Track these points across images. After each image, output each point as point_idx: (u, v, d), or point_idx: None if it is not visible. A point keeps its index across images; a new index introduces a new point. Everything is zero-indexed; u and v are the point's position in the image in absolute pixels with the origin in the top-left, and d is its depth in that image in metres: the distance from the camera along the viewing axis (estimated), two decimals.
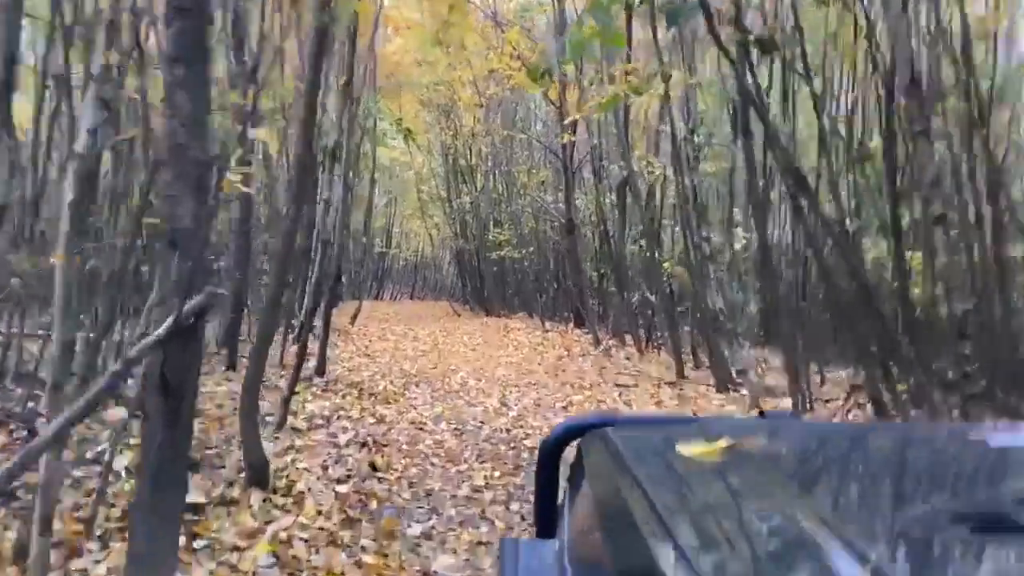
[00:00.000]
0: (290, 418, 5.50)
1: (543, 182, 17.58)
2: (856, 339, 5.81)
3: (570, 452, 1.35)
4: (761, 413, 1.91)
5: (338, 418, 5.90)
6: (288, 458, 4.56)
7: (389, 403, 6.95)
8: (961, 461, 1.16)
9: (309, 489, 4.06)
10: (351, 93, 7.40)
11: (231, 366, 7.14)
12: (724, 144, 10.26)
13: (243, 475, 3.96)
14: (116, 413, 3.91)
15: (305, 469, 4.41)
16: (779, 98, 8.06)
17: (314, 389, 6.93)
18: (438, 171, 25.93)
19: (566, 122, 12.24)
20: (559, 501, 1.35)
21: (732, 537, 0.76)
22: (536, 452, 1.41)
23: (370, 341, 12.23)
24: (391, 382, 8.30)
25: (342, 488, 4.17)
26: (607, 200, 13.09)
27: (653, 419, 1.76)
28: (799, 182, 4.76)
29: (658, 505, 0.80)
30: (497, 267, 20.92)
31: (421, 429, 6.16)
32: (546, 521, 1.35)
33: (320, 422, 5.68)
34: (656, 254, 9.65)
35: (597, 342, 12.14)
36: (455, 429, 6.21)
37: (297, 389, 6.71)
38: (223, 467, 4.19)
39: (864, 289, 5.12)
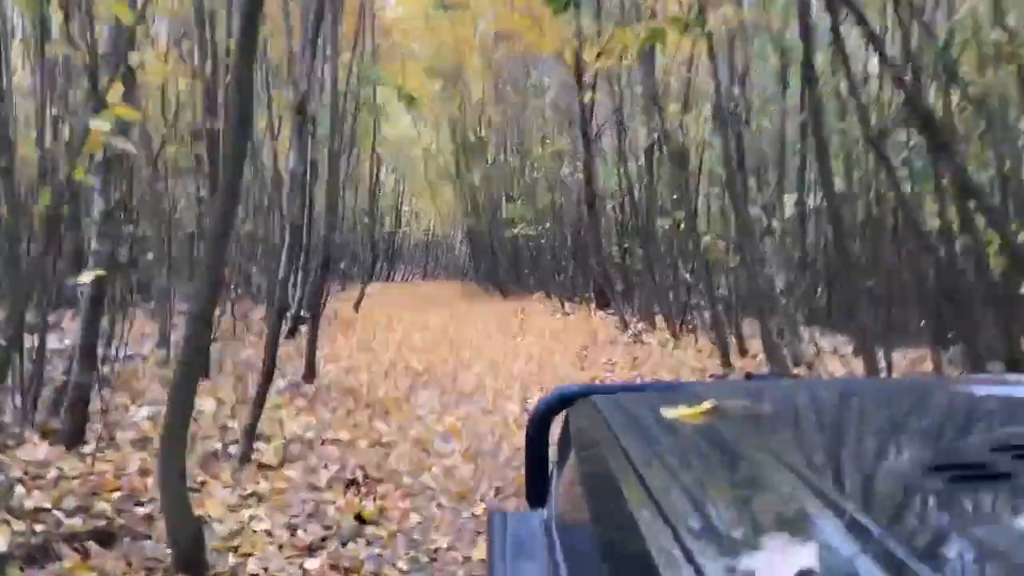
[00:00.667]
0: (260, 446, 4.36)
1: (559, 152, 16.27)
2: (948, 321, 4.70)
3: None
4: (748, 376, 1.77)
5: (323, 442, 4.74)
6: (245, 514, 3.41)
7: (389, 415, 5.80)
8: (942, 412, 1.16)
9: (266, 570, 2.92)
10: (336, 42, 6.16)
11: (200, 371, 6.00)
12: (769, 100, 8.96)
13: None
14: None
15: (266, 532, 3.26)
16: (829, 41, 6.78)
17: (299, 401, 5.79)
18: (446, 146, 24.65)
19: (587, 75, 10.98)
20: (549, 471, 1.34)
21: (713, 497, 0.76)
22: None
23: (374, 332, 11.08)
24: (394, 384, 7.15)
25: (312, 564, 3.02)
26: (633, 167, 11.81)
27: (641, 386, 1.54)
28: (931, 127, 3.52)
29: (641, 469, 0.81)
30: (511, 245, 19.69)
31: (426, 451, 5.00)
32: (536, 492, 1.33)
33: (298, 450, 4.53)
34: (695, 226, 8.37)
35: (625, 326, 10.94)
36: (469, 450, 5.05)
37: (278, 401, 5.60)
38: (149, 537, 3.05)
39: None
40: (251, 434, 4.28)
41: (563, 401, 1.33)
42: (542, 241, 17.61)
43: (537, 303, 16.29)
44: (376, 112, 13.11)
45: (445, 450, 5.04)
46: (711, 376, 7.73)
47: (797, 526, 0.64)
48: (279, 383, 6.16)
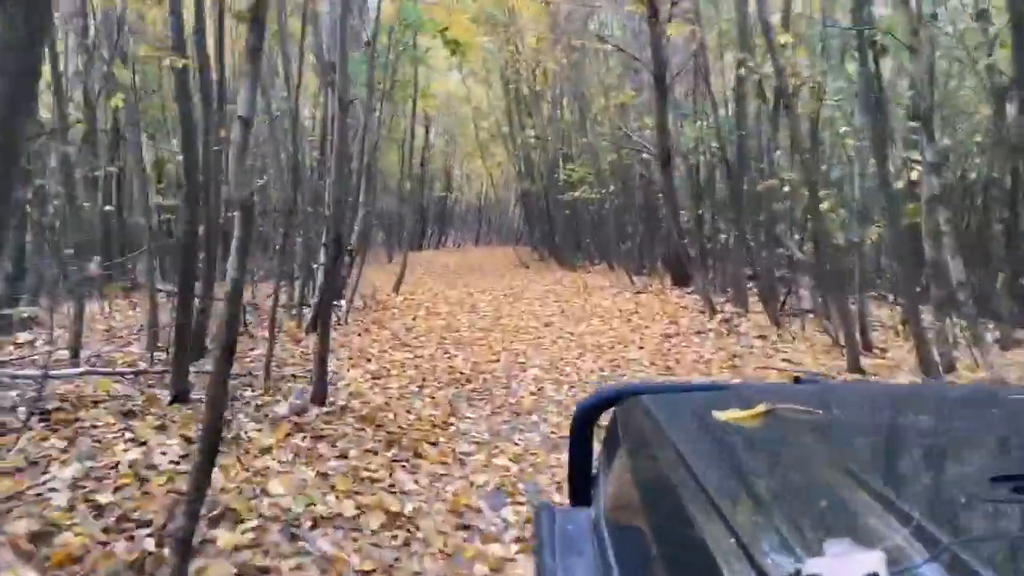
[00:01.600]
0: (217, 535, 2.83)
1: (625, 104, 14.35)
2: None
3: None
4: (796, 379, 1.52)
5: (313, 524, 3.20)
6: None
7: (420, 458, 4.23)
8: (1005, 420, 1.11)
9: None
10: None
11: (177, 396, 4.54)
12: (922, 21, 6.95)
13: None
14: None
15: None
16: None
17: (299, 438, 4.26)
18: (497, 104, 22.80)
19: (662, 8, 9.12)
20: (593, 469, 1.31)
21: (773, 501, 0.74)
22: None
23: (414, 317, 9.54)
24: (431, 398, 5.60)
25: None
26: (723, 116, 9.90)
27: (686, 386, 1.56)
28: None
29: (697, 472, 0.79)
30: (570, 210, 17.90)
31: (467, 527, 3.43)
32: (580, 489, 1.33)
33: (270, 539, 2.99)
34: (816, 190, 6.49)
35: (712, 310, 9.16)
36: (527, 522, 3.45)
37: (270, 441, 4.09)
38: None
39: None
40: (194, 516, 2.73)
41: (607, 399, 1.32)
42: (605, 207, 15.79)
43: (601, 277, 14.54)
44: (417, 61, 11.36)
45: (494, 525, 3.46)
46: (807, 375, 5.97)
47: (861, 531, 0.63)
48: (278, 408, 4.66)
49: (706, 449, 0.92)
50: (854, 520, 0.65)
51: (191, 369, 4.78)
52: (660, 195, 14.81)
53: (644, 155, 13.40)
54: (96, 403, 4.42)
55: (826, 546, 0.60)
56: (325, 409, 4.78)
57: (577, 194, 15.51)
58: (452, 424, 4.97)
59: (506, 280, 15.37)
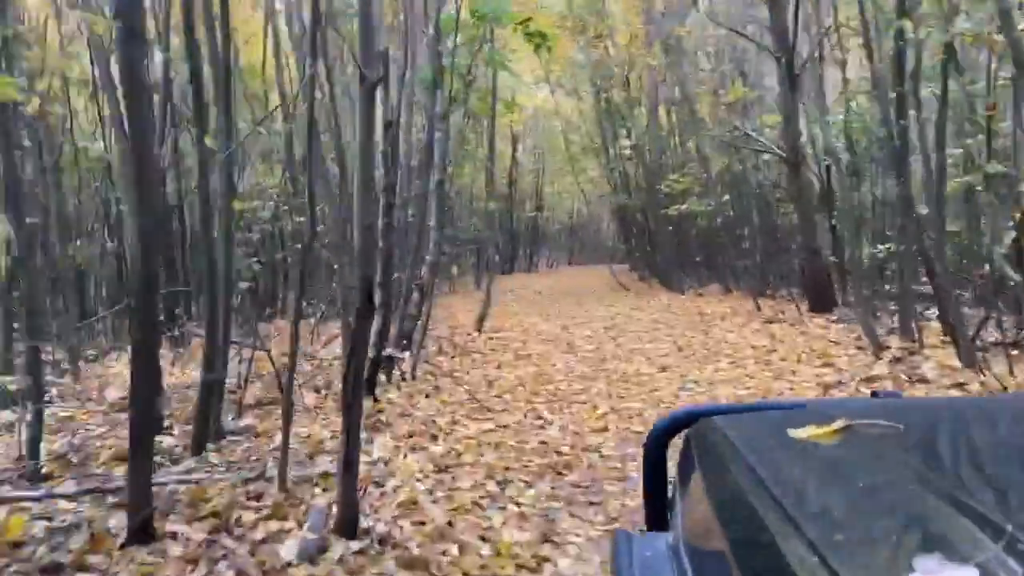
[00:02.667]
0: None
1: (737, 102, 12.38)
2: None
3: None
4: (874, 394, 1.50)
5: None
6: None
7: None
8: None
9: None
10: None
11: (140, 529, 3.03)
12: None
13: None
14: None
15: None
16: None
17: None
18: (589, 114, 21.07)
19: None
20: (669, 493, 1.32)
21: (860, 521, 0.73)
22: None
23: (499, 365, 7.90)
24: (516, 505, 3.92)
25: None
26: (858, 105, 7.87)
27: (759, 405, 1.40)
28: None
29: (776, 492, 0.79)
30: (673, 225, 15.96)
31: None
32: (657, 514, 1.33)
33: None
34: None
35: (878, 346, 7.13)
36: None
37: None
38: None
39: None
40: None
41: (680, 423, 1.31)
42: (716, 219, 13.79)
43: (715, 301, 12.55)
44: (495, 62, 9.81)
45: None
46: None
47: (952, 547, 0.61)
48: (282, 549, 3.08)
49: (784, 468, 0.90)
50: (944, 535, 0.63)
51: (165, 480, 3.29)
52: (779, 202, 12.77)
53: (765, 157, 11.42)
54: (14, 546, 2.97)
55: (916, 563, 0.58)
56: (355, 545, 3.16)
57: (684, 207, 13.60)
58: (547, 561, 3.26)
59: (605, 307, 13.57)
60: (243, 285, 6.90)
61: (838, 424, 0.98)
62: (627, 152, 18.03)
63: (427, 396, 6.13)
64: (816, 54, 9.54)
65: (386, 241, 5.45)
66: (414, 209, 8.41)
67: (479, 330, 9.66)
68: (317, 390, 6.04)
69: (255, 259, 8.87)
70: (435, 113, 7.29)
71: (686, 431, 1.26)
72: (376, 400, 5.61)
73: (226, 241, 4.56)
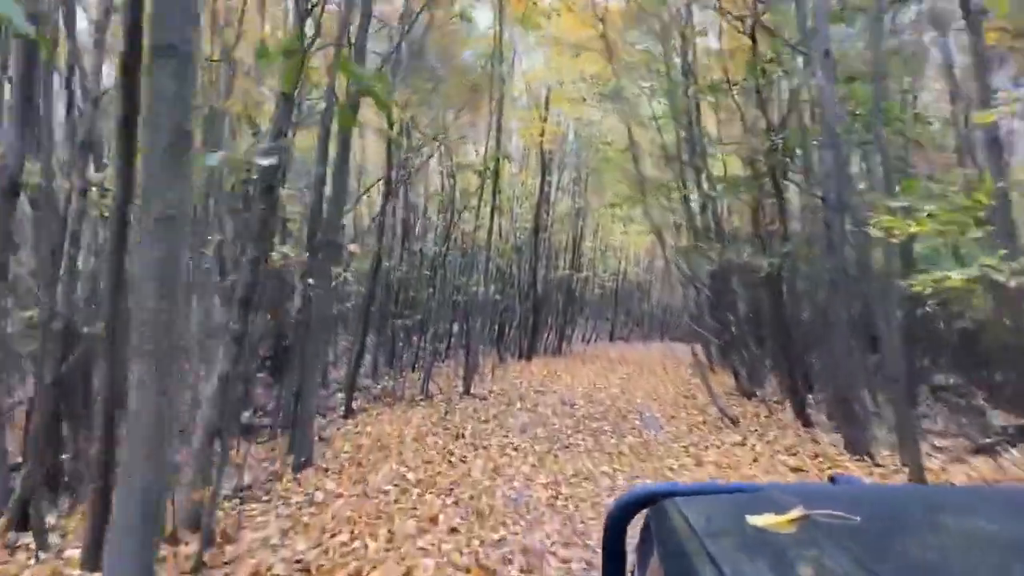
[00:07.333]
0: None
1: None
2: None
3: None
4: (831, 479, 1.53)
5: None
6: None
7: None
8: None
9: None
10: None
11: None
12: None
13: None
14: None
15: None
16: None
17: None
18: (656, 139, 14.98)
19: None
20: (627, 573, 1.31)
21: None
22: None
23: None
24: None
25: None
26: None
27: (720, 488, 1.42)
28: None
29: None
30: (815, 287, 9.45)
31: None
32: None
33: None
34: None
35: None
36: None
37: None
38: None
39: None
40: None
41: (640, 502, 1.31)
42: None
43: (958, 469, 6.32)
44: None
45: None
46: None
47: None
48: None
49: (741, 557, 0.92)
50: None
51: None
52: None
53: None
54: None
55: None
56: None
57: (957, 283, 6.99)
58: None
59: (721, 449, 7.33)
60: None
61: (795, 514, 0.98)
62: (716, 191, 12.06)
63: None
64: None
65: None
66: None
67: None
68: None
69: None
70: None
71: (646, 511, 1.26)
72: None
73: None
